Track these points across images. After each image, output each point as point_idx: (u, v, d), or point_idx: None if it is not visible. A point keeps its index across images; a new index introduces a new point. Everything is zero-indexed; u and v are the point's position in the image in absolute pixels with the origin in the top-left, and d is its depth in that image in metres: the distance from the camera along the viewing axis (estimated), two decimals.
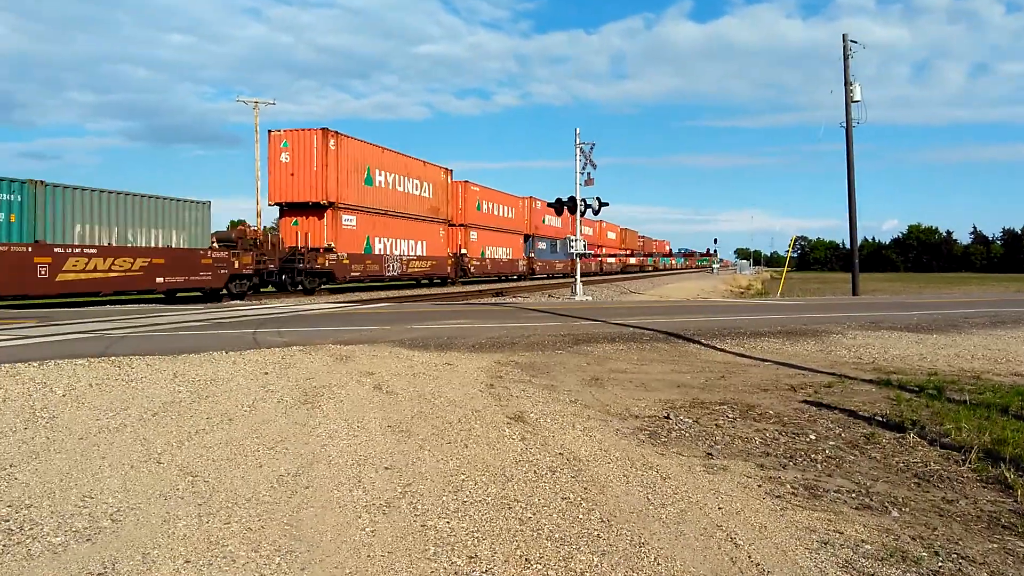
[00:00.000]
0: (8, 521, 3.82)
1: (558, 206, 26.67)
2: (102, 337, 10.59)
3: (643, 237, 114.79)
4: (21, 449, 5.01)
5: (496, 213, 49.26)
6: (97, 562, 3.37)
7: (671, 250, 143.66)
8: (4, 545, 3.53)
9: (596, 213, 26.88)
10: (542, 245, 59.71)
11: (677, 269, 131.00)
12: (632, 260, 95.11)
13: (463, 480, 4.60)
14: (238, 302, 23.25)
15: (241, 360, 8.25)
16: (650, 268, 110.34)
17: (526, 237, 56.39)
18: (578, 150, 25.60)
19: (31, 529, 3.73)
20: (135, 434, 5.42)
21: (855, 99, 27.57)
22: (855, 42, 27.96)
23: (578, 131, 25.57)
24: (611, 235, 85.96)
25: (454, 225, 42.53)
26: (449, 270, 41.01)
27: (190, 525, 3.82)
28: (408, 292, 33.10)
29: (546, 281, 53.05)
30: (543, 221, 59.15)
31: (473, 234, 44.93)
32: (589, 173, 25.62)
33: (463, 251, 43.57)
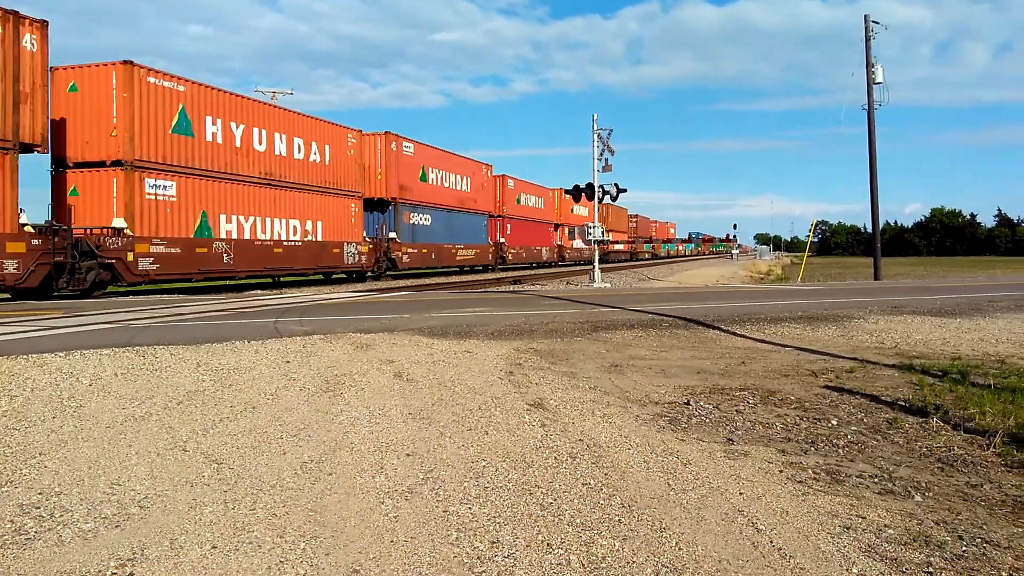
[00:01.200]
0: (39, 508, 3.90)
1: (576, 193, 26.56)
2: (126, 327, 10.73)
3: (636, 217, 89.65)
4: (50, 438, 5.10)
5: (275, 151, 24.91)
6: (126, 547, 3.43)
7: (688, 235, 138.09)
8: (36, 531, 3.61)
9: (614, 199, 26.75)
10: (421, 219, 34.74)
11: (685, 256, 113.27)
12: (618, 246, 73.83)
13: (484, 466, 4.63)
14: (260, 291, 23.24)
15: (263, 349, 8.33)
16: (647, 256, 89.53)
17: (375, 204, 31.58)
18: (595, 136, 25.47)
19: (62, 516, 3.80)
20: (161, 422, 5.50)
21: (877, 81, 27.19)
22: (877, 23, 27.55)
23: (596, 117, 25.42)
24: (580, 211, 60.13)
25: (83, 166, 19.61)
26: (18, 269, 16.48)
27: (216, 511, 3.88)
28: None
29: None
30: (424, 178, 34.84)
31: (161, 186, 20.38)
32: (607, 159, 25.50)
33: (117, 225, 19.20)
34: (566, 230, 57.08)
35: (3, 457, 4.69)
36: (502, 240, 45.72)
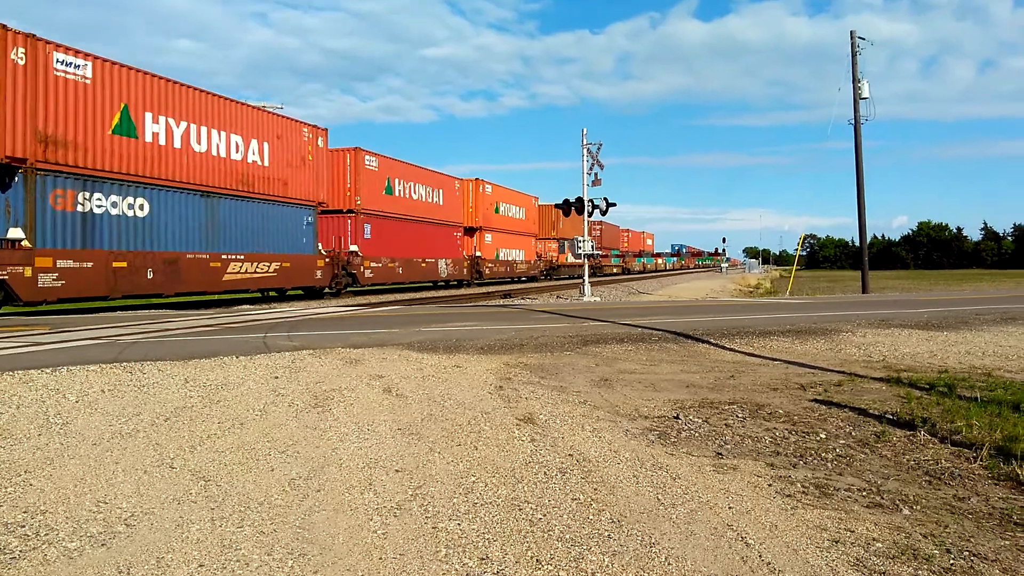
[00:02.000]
0: (24, 527, 3.86)
1: (565, 207, 26.66)
2: (113, 343, 10.66)
3: (600, 224, 70.99)
4: (36, 455, 5.05)
5: None
6: (112, 567, 3.40)
7: (671, 247, 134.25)
8: (20, 550, 3.57)
9: (604, 213, 26.85)
10: (116, 205, 17.99)
11: (666, 270, 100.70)
12: (572, 258, 57.36)
13: (473, 482, 4.62)
14: (248, 306, 23.20)
15: (252, 364, 8.29)
16: (615, 271, 75.93)
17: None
18: (585, 150, 25.60)
19: (47, 534, 3.76)
20: (148, 439, 5.46)
21: (863, 96, 27.51)
22: (863, 39, 27.91)
23: (585, 131, 25.56)
24: (514, 212, 47.77)
25: None
26: None
27: (203, 529, 3.85)
28: None
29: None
30: (128, 130, 18.31)
31: None
32: (596, 173, 25.62)
33: None
34: (486, 236, 43.58)
35: None
36: (353, 248, 28.96)
